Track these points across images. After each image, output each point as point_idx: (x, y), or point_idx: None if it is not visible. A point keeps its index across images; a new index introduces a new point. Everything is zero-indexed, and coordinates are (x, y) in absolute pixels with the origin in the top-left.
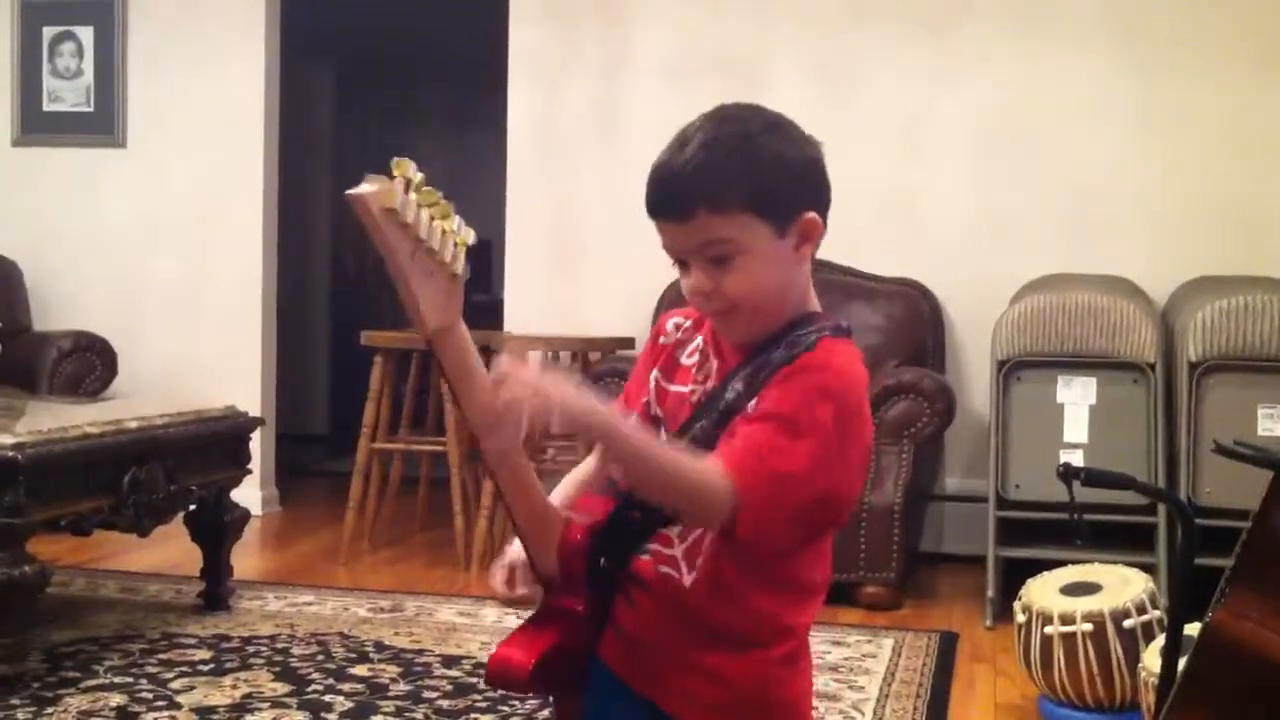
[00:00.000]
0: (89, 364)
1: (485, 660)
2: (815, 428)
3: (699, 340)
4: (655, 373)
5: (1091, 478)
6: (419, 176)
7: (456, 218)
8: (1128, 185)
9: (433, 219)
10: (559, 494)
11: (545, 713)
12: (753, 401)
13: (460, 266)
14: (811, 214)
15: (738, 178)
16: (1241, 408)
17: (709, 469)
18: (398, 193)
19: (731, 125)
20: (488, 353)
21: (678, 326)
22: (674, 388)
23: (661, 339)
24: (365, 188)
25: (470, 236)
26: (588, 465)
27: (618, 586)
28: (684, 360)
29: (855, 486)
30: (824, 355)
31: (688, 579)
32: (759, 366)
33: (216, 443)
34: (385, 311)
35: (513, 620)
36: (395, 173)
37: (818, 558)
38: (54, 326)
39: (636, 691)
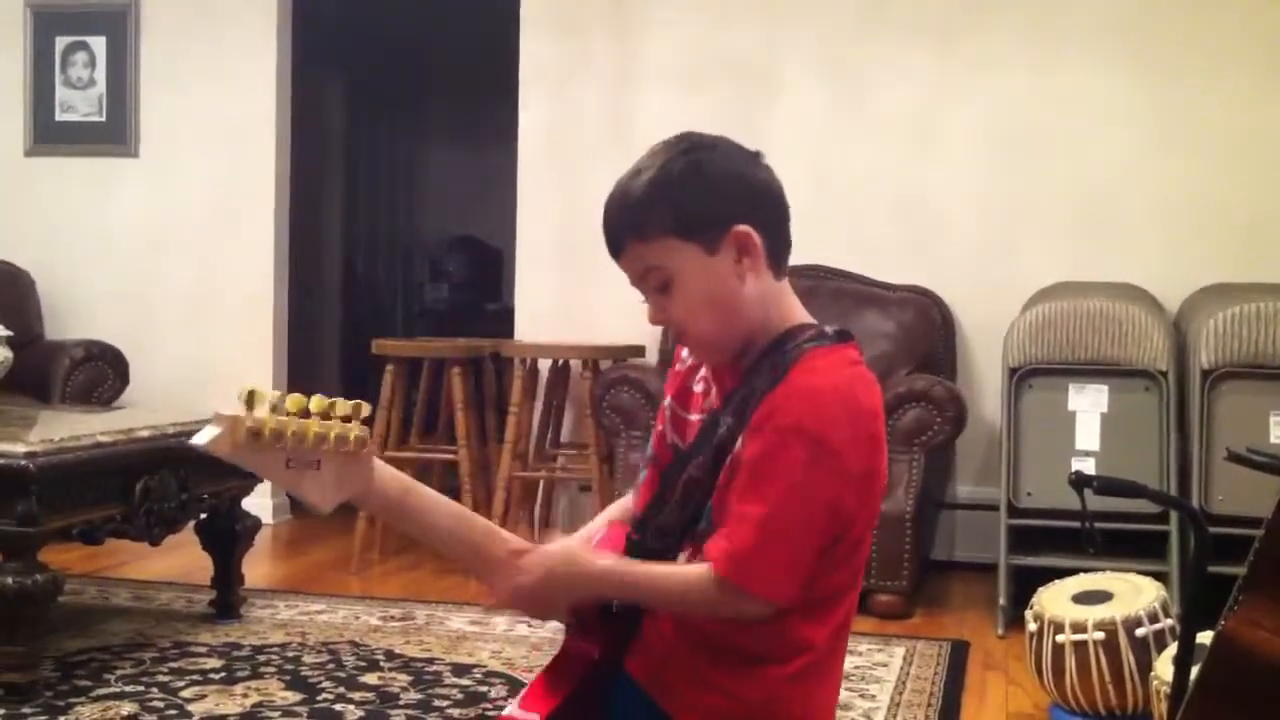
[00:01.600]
0: (101, 373)
1: (496, 668)
2: (785, 473)
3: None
4: (669, 401)
5: (1103, 486)
6: (273, 395)
7: (337, 401)
8: (1139, 192)
9: (298, 425)
10: (593, 529)
11: None
12: (739, 443)
13: (351, 444)
14: (742, 227)
15: (654, 203)
16: (1254, 415)
17: (692, 578)
18: (241, 428)
19: (657, 154)
20: (499, 360)
21: (690, 353)
22: (690, 416)
23: (677, 365)
24: (207, 435)
25: (355, 425)
26: (624, 505)
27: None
28: (695, 388)
29: (857, 502)
30: (802, 382)
31: None
32: (746, 395)
33: None
34: (397, 320)
35: (523, 629)
36: (240, 403)
37: (827, 566)
38: (66, 335)
39: (658, 705)
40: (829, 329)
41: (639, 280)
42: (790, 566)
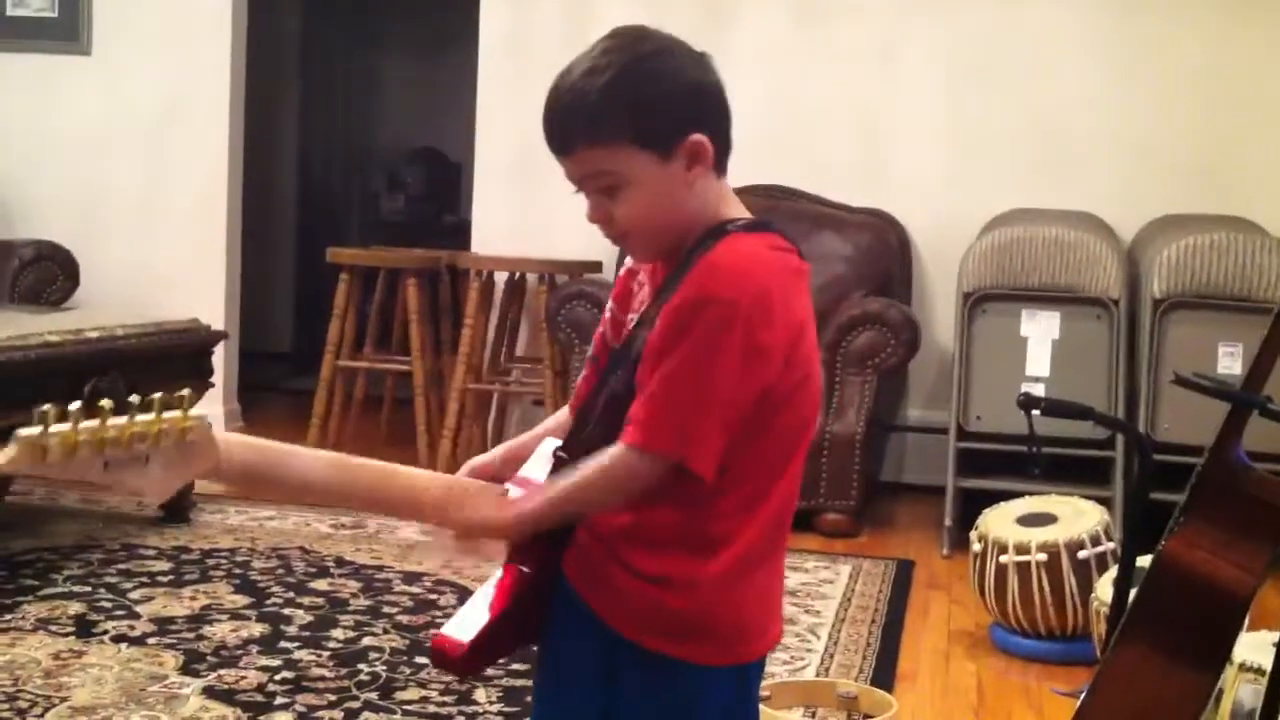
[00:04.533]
0: (50, 273)
1: (445, 577)
2: (687, 340)
3: (644, 273)
4: (611, 303)
5: (1051, 407)
6: (73, 408)
7: (156, 397)
8: (1098, 122)
9: (109, 431)
10: (521, 442)
11: None
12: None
13: (176, 435)
14: (696, 136)
15: (613, 110)
16: (1203, 345)
17: (607, 461)
18: (35, 448)
19: (609, 54)
20: (455, 272)
21: (628, 254)
22: (626, 318)
23: (625, 265)
24: (3, 457)
25: (179, 403)
26: (560, 417)
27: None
28: (635, 288)
29: (776, 378)
30: (714, 259)
31: None
32: (670, 285)
33: (178, 355)
34: (352, 229)
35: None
36: (41, 423)
37: (751, 455)
38: (15, 235)
39: (589, 605)
40: (746, 219)
41: (582, 180)
42: (698, 425)
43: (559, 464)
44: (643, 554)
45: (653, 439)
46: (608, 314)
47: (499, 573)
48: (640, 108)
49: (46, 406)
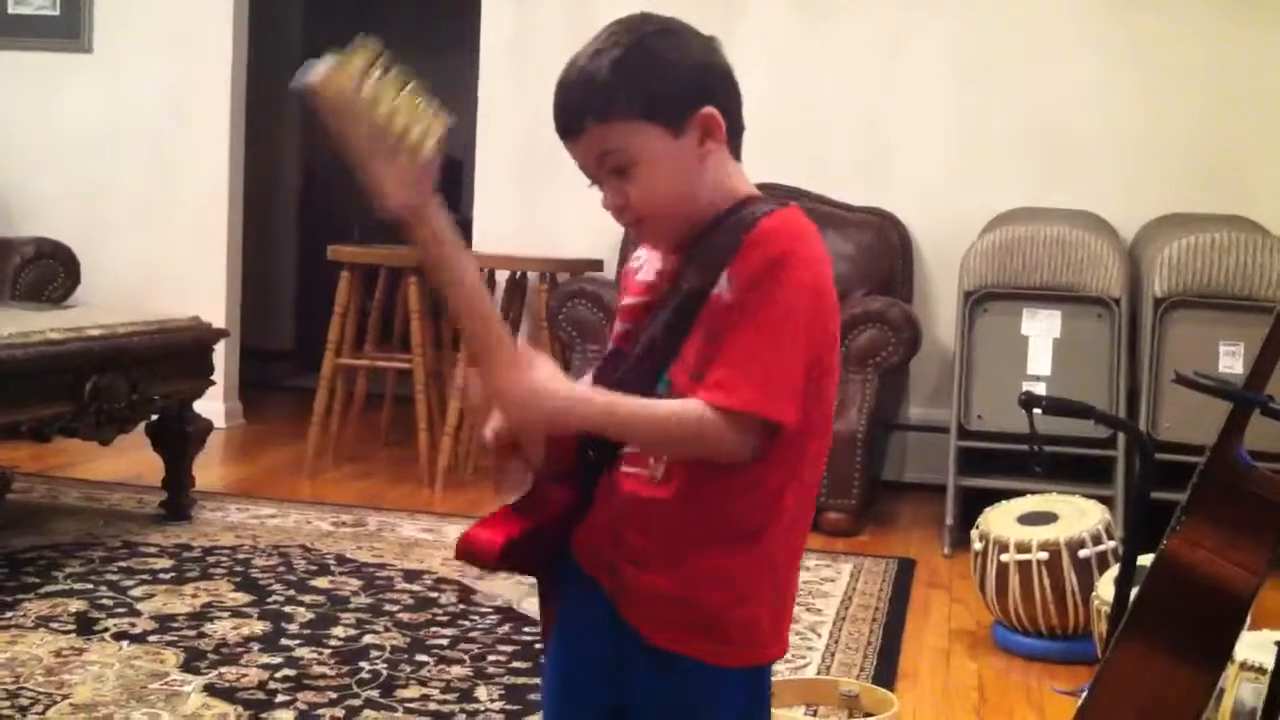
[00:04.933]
0: (51, 271)
1: (447, 574)
2: (779, 296)
3: (654, 259)
4: (623, 297)
5: (1052, 406)
6: (380, 58)
7: (427, 102)
8: (1101, 120)
9: (395, 102)
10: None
11: (506, 627)
12: (720, 284)
13: (428, 150)
14: (708, 109)
15: (620, 85)
16: (1204, 344)
17: (679, 406)
18: (351, 74)
19: (615, 35)
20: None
21: (638, 256)
22: (634, 300)
23: (631, 264)
24: (315, 72)
25: (441, 123)
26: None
27: (603, 473)
28: (639, 279)
29: (833, 346)
30: (771, 226)
31: (659, 469)
32: (708, 253)
33: (180, 353)
34: (353, 227)
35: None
36: (353, 55)
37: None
38: (17, 233)
39: (603, 598)
40: (774, 198)
41: (595, 164)
42: (782, 382)
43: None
44: (660, 550)
45: (739, 398)
46: (621, 304)
47: (534, 487)
48: (650, 81)
49: (367, 41)
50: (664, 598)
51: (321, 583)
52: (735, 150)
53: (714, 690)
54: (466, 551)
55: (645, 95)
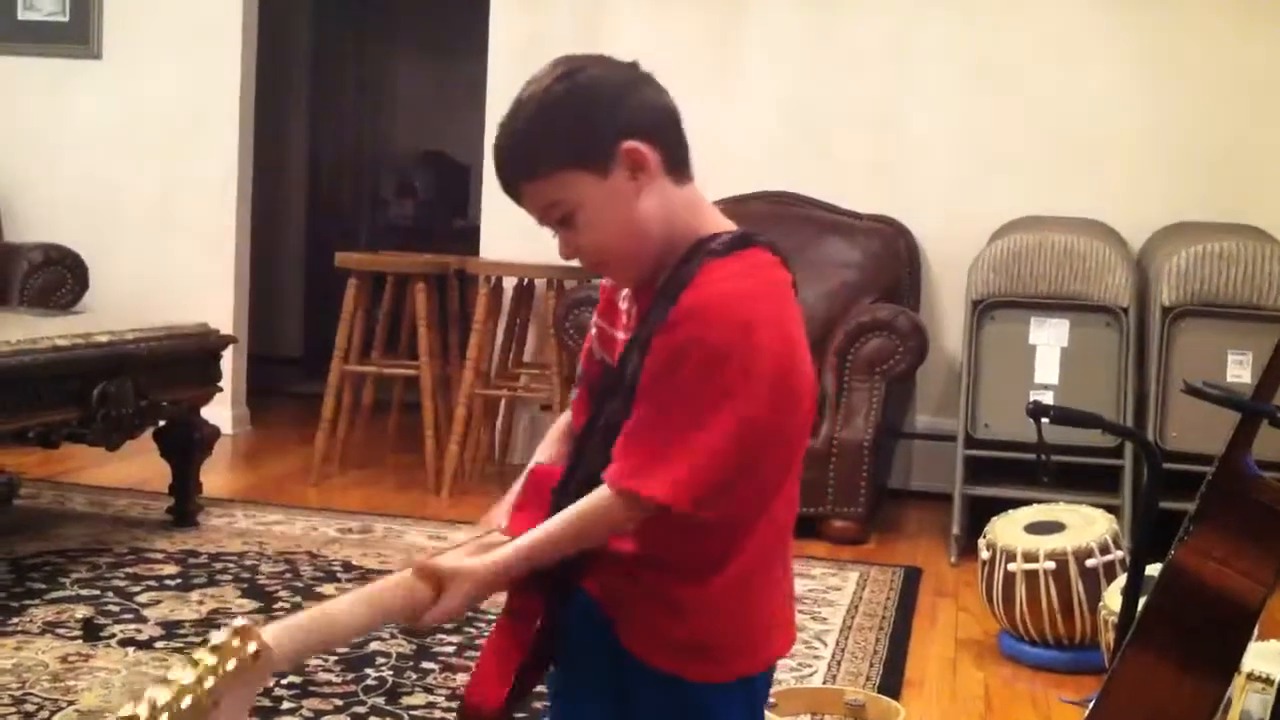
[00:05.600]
0: (60, 277)
1: None
2: (675, 384)
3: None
4: (597, 318)
5: (1060, 416)
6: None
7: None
8: (1109, 128)
9: (188, 694)
10: (543, 454)
11: None
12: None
13: (243, 663)
14: (629, 143)
15: (538, 139)
16: (1212, 353)
17: (587, 505)
18: None
19: (531, 88)
20: (463, 277)
21: (609, 280)
22: (617, 334)
23: (606, 281)
24: None
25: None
26: (563, 424)
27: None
28: (621, 304)
29: (772, 416)
30: (690, 300)
31: None
32: (649, 329)
33: (187, 359)
34: (362, 234)
35: None
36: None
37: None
38: (25, 239)
39: (606, 621)
40: (727, 235)
41: (542, 216)
42: (686, 468)
43: (556, 505)
44: (650, 575)
45: (628, 480)
46: (594, 329)
47: (505, 619)
48: (564, 129)
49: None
50: (653, 622)
51: (328, 589)
52: (682, 173)
53: (712, 707)
54: (473, 713)
55: (562, 144)
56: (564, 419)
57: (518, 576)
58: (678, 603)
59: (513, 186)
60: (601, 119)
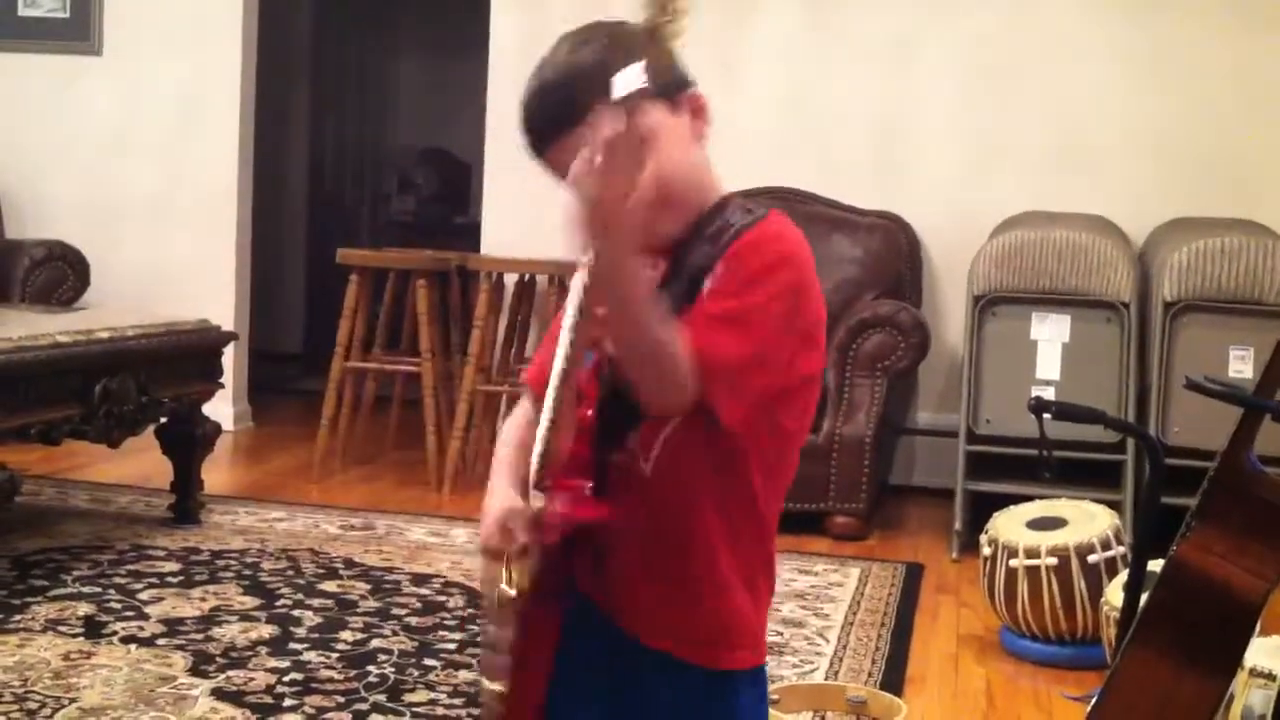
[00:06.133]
0: (61, 274)
1: (455, 579)
2: (759, 293)
3: None
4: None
5: (1062, 411)
6: None
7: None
8: (1111, 124)
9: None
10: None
11: None
12: (704, 287)
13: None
14: (695, 90)
15: (619, 61)
16: (1214, 349)
17: (683, 343)
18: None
19: (590, 33)
20: (465, 274)
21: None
22: None
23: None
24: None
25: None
26: (521, 421)
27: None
28: None
29: (817, 358)
30: (773, 229)
31: (647, 467)
32: (699, 260)
33: (189, 356)
34: (363, 231)
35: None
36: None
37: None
38: (27, 235)
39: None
40: (740, 198)
41: None
42: (744, 379)
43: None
44: (679, 563)
45: (710, 381)
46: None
47: (520, 618)
48: (643, 55)
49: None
50: (679, 610)
51: (330, 586)
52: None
53: (736, 692)
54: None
55: (644, 66)
56: (518, 417)
57: (635, 280)
58: (710, 588)
59: (578, 115)
60: (672, 62)
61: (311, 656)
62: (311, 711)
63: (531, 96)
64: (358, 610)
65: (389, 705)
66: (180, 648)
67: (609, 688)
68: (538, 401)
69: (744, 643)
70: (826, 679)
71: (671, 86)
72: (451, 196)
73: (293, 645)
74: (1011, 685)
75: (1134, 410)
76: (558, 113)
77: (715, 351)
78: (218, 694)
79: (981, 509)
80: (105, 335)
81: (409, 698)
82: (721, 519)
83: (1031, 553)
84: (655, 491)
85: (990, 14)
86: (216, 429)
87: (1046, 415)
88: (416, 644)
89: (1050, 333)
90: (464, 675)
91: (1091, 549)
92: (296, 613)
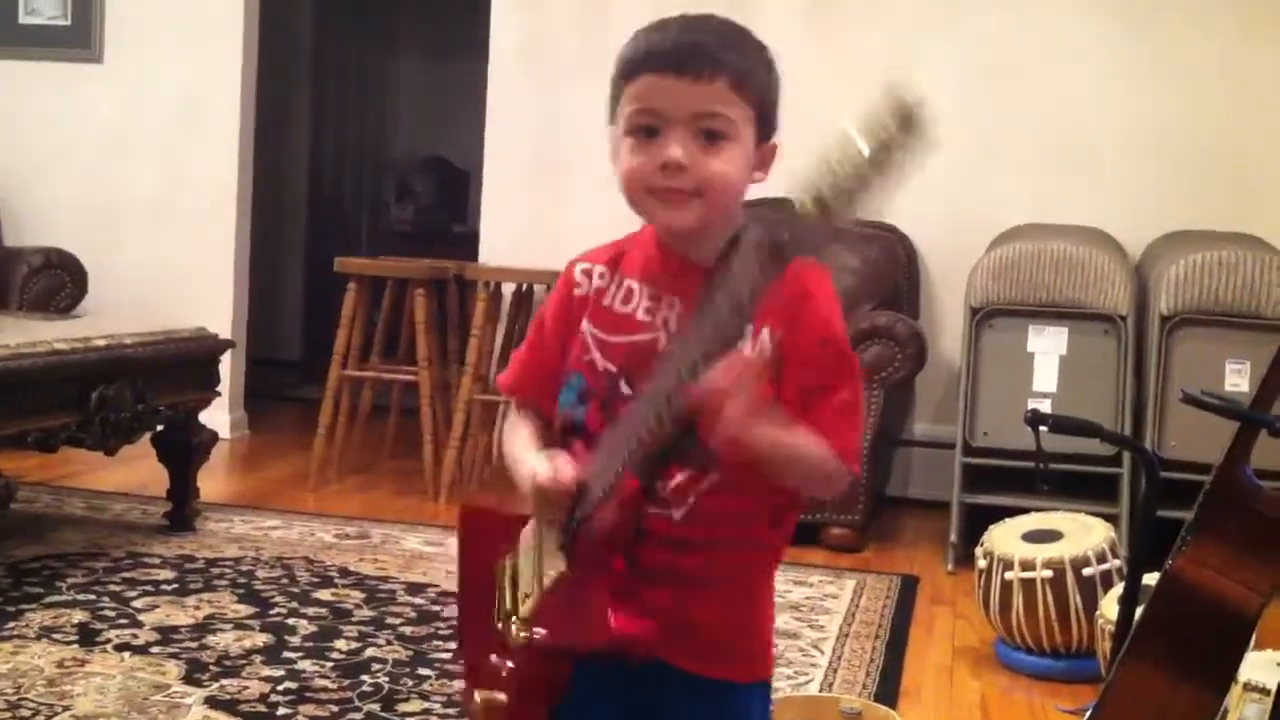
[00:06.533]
0: (59, 281)
1: (450, 588)
2: (847, 382)
3: (630, 284)
4: (588, 325)
5: (1059, 424)
6: None
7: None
8: (1108, 136)
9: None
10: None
11: None
12: (762, 338)
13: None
14: (776, 143)
15: (760, 71)
16: (1211, 362)
17: (826, 449)
18: None
19: (744, 32)
20: (462, 282)
21: (587, 274)
22: (626, 338)
23: (576, 290)
24: None
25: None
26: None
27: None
28: (620, 308)
29: None
30: (811, 274)
31: (677, 514)
32: (739, 284)
33: (186, 364)
34: (362, 238)
35: None
36: None
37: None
38: (25, 242)
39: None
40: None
41: (693, 116)
42: (858, 441)
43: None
44: (702, 575)
45: (850, 459)
46: (589, 338)
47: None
48: (773, 86)
49: None
50: (698, 626)
51: (324, 595)
52: None
53: (752, 705)
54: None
55: (767, 94)
56: (524, 430)
57: (773, 436)
58: (747, 601)
59: (710, 70)
60: (777, 111)
61: (306, 665)
62: None
63: (689, 27)
64: (352, 619)
65: (383, 715)
66: (174, 656)
67: (610, 689)
68: (522, 409)
69: (760, 655)
70: (821, 690)
71: (769, 122)
72: (450, 205)
73: (287, 654)
74: (1006, 698)
75: (1130, 423)
76: (698, 61)
77: (851, 447)
78: (211, 703)
79: (977, 521)
80: (102, 343)
81: (403, 707)
82: (759, 553)
83: (1027, 565)
84: (690, 539)
85: (987, 25)
86: (213, 437)
87: (1043, 428)
88: (411, 653)
89: (1047, 345)
90: (458, 685)
91: (1087, 562)
92: (291, 621)
